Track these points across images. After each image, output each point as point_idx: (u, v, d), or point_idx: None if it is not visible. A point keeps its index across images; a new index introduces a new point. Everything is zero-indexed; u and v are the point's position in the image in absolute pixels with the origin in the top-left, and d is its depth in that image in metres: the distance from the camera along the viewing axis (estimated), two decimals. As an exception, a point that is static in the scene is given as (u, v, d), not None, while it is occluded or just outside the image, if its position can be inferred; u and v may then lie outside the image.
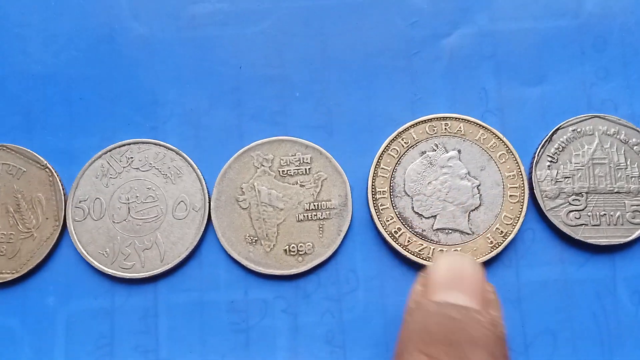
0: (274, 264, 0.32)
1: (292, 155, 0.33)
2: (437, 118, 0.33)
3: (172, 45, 0.35)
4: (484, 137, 0.33)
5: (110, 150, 0.33)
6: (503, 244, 0.32)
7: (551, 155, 0.33)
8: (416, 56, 0.34)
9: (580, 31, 0.34)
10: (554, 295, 0.32)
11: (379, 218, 0.32)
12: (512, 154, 0.32)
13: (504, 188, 0.32)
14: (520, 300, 0.32)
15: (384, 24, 0.35)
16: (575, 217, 0.32)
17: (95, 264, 0.32)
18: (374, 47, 0.35)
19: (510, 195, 0.32)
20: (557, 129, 0.33)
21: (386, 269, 0.32)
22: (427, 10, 0.35)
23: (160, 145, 0.33)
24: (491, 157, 0.32)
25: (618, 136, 0.33)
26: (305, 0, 0.35)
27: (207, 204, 0.33)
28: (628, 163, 0.32)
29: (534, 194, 0.32)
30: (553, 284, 0.32)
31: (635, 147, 0.33)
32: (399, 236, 0.32)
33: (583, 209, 0.32)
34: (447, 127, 0.33)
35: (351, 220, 0.33)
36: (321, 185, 0.33)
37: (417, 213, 0.32)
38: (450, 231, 0.32)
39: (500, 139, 0.33)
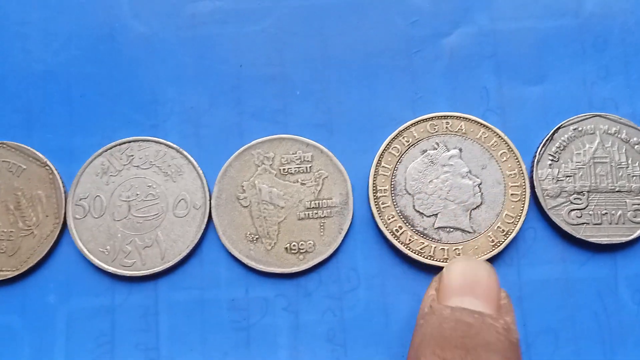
0: (275, 262, 0.32)
1: (293, 154, 0.33)
2: (439, 116, 0.33)
3: (173, 44, 0.35)
4: (485, 135, 0.33)
5: (110, 148, 0.33)
6: (504, 243, 0.31)
7: (552, 154, 0.33)
8: (417, 55, 0.34)
9: (580, 30, 0.34)
10: (556, 294, 0.32)
11: (380, 216, 0.32)
12: (513, 153, 0.32)
13: (505, 187, 0.32)
14: (521, 299, 0.32)
15: (385, 23, 0.35)
16: (577, 216, 0.32)
17: (96, 261, 0.32)
18: (374, 46, 0.35)
19: (511, 194, 0.32)
20: (558, 128, 0.33)
21: (387, 267, 0.32)
22: (428, 9, 0.35)
23: (160, 143, 0.33)
24: (492, 156, 0.32)
25: (619, 135, 0.33)
26: (306, -2, 0.35)
27: (208, 202, 0.33)
28: (629, 162, 0.32)
29: (535, 192, 0.32)
30: (554, 282, 0.32)
31: (636, 146, 0.33)
32: (400, 235, 0.32)
33: (584, 208, 0.32)
34: (448, 126, 0.33)
35: (352, 219, 0.33)
36: (322, 184, 0.33)
37: (418, 211, 0.32)
38: (451, 230, 0.32)
39: (502, 138, 0.33)
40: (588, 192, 0.32)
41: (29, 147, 0.33)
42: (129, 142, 0.33)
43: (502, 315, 0.27)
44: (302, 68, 0.34)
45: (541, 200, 0.32)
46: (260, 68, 0.34)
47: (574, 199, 0.32)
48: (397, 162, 0.33)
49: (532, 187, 0.32)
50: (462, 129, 0.33)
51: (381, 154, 0.33)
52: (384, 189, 0.32)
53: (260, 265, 0.32)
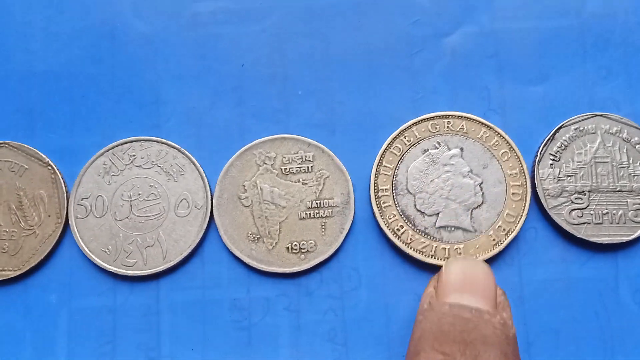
0: (277, 261, 0.32)
1: (295, 153, 0.33)
2: (440, 116, 0.33)
3: (174, 44, 0.35)
4: (487, 135, 0.33)
5: (112, 148, 0.33)
6: (505, 242, 0.32)
7: (553, 153, 0.33)
8: (418, 55, 0.34)
9: (582, 30, 0.34)
10: (556, 293, 0.32)
11: (381, 216, 0.32)
12: (515, 152, 0.32)
13: (506, 186, 0.32)
14: (522, 298, 0.32)
15: (386, 23, 0.35)
16: (578, 216, 0.32)
17: (98, 261, 0.32)
18: (376, 45, 0.35)
19: (512, 193, 0.32)
20: (560, 128, 0.33)
21: (388, 267, 0.32)
22: (429, 9, 0.35)
23: (162, 143, 0.33)
24: (493, 155, 0.32)
25: (620, 135, 0.33)
26: (307, -2, 0.35)
27: (210, 202, 0.33)
28: (630, 161, 0.32)
29: (537, 192, 0.32)
30: (555, 282, 0.32)
31: (637, 146, 0.33)
32: (401, 234, 0.32)
33: (585, 208, 0.32)
34: (449, 125, 0.33)
35: (354, 218, 0.33)
36: (323, 183, 0.33)
37: (419, 211, 0.32)
38: (452, 229, 0.32)
39: (503, 137, 0.33)
40: (589, 191, 0.32)
41: (31, 147, 0.33)
42: (131, 141, 0.33)
43: (499, 311, 0.27)
44: (303, 68, 0.34)
45: (542, 199, 0.32)
46: (261, 68, 0.34)
47: (575, 198, 0.32)
48: (399, 161, 0.33)
49: (533, 186, 0.32)
50: (463, 129, 0.33)
51: (382, 154, 0.33)
52: (385, 189, 0.32)
53: (261, 265, 0.32)
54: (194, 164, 0.33)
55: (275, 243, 0.32)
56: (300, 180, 0.33)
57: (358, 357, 0.32)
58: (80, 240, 0.32)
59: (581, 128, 0.33)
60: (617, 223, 0.32)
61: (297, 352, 0.32)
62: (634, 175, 0.32)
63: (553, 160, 0.32)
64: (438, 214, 0.32)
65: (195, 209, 0.33)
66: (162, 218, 0.32)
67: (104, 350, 0.32)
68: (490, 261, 0.32)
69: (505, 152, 0.32)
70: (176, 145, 0.33)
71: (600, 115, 0.33)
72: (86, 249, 0.32)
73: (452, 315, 0.27)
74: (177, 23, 0.35)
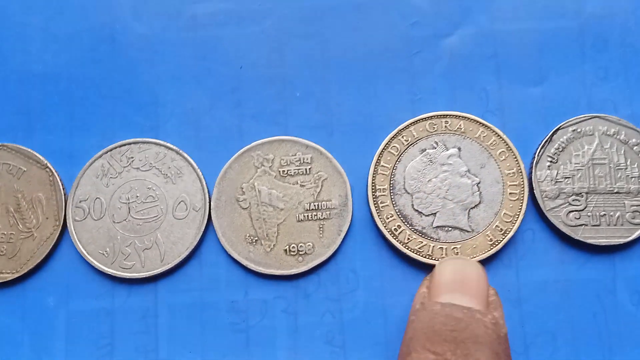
0: (274, 264, 0.32)
1: (293, 155, 0.33)
2: (438, 115, 0.33)
3: (173, 45, 0.35)
4: (484, 134, 0.33)
5: (110, 150, 0.33)
6: (502, 242, 0.32)
7: (551, 155, 0.33)
8: (416, 56, 0.34)
9: (580, 31, 0.34)
10: (554, 295, 0.32)
11: (379, 216, 0.32)
12: (512, 152, 0.32)
13: (503, 186, 0.32)
14: (520, 300, 0.32)
15: (385, 24, 0.35)
16: (575, 218, 0.32)
17: (96, 263, 0.32)
18: (374, 47, 0.35)
19: (510, 193, 0.32)
20: (557, 129, 0.33)
21: (386, 269, 0.32)
22: (428, 10, 0.35)
23: (160, 145, 0.33)
24: (491, 155, 0.32)
25: (618, 136, 0.33)
26: (305, 0, 0.35)
27: (208, 204, 0.33)
28: (628, 163, 0.32)
29: (534, 194, 0.32)
30: (553, 284, 0.32)
31: (635, 148, 0.33)
32: (398, 234, 0.32)
33: (583, 209, 0.32)
34: (447, 125, 0.33)
35: (351, 221, 0.33)
36: (321, 185, 0.33)
37: (417, 211, 0.32)
38: (450, 229, 0.32)
39: (500, 137, 0.33)
40: (587, 193, 0.32)
41: (29, 149, 0.33)
42: (129, 144, 0.33)
43: (490, 310, 0.28)
44: (302, 69, 0.34)
45: (540, 201, 0.32)
46: (260, 69, 0.34)
47: (573, 200, 0.32)
48: (396, 161, 0.33)
49: (531, 188, 0.32)
50: (461, 128, 0.33)
51: (380, 153, 0.33)
52: (383, 188, 0.32)
53: (259, 267, 0.32)
54: (192, 166, 0.33)
55: (273, 245, 0.32)
56: (298, 182, 0.33)
57: (356, 359, 0.32)
58: (78, 242, 0.32)
59: (579, 130, 0.33)
60: (615, 225, 0.32)
61: (294, 355, 0.32)
62: (632, 177, 0.32)
63: (551, 162, 0.32)
64: (435, 213, 0.32)
65: (193, 211, 0.33)
66: (160, 220, 0.32)
67: (102, 352, 0.32)
68: (488, 263, 0.32)
69: (503, 151, 0.32)
70: (174, 147, 0.33)
71: (598, 117, 0.33)
72: (84, 252, 0.32)
73: (443, 314, 0.27)
74: (175, 25, 0.35)
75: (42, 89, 0.34)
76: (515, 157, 0.32)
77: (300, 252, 0.32)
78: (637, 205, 0.32)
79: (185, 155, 0.33)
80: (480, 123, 0.33)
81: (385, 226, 0.32)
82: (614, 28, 0.34)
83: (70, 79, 0.35)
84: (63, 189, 0.33)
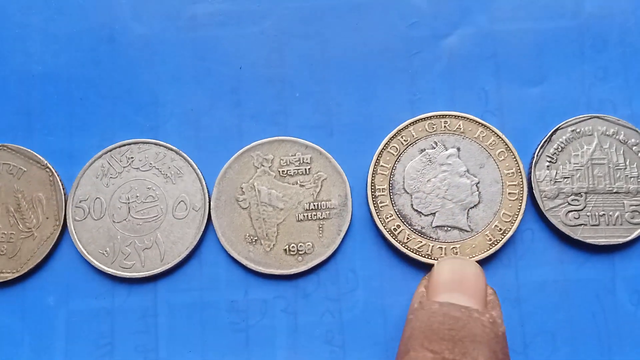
0: (274, 263, 0.32)
1: (292, 155, 0.33)
2: (437, 116, 0.33)
3: (173, 46, 0.35)
4: (483, 134, 0.33)
5: (110, 150, 0.33)
6: (502, 242, 0.32)
7: (550, 155, 0.33)
8: (416, 56, 0.34)
9: (579, 31, 0.34)
10: (553, 295, 0.32)
11: (378, 216, 0.32)
12: (511, 152, 0.32)
13: (502, 185, 0.32)
14: (519, 300, 0.32)
15: (384, 25, 0.35)
16: (574, 217, 0.32)
17: (96, 263, 0.32)
18: (373, 47, 0.35)
19: (509, 193, 0.32)
20: (557, 130, 0.33)
21: (386, 268, 0.32)
22: (427, 10, 0.35)
23: (160, 145, 0.33)
24: (490, 155, 0.33)
25: (617, 136, 0.33)
26: (305, 0, 0.35)
27: (207, 204, 0.33)
28: (627, 163, 0.32)
29: (533, 194, 0.32)
30: (552, 284, 0.32)
31: (634, 148, 0.33)
32: (398, 234, 0.32)
33: (582, 209, 0.32)
34: (446, 125, 0.33)
35: (351, 220, 0.33)
36: (321, 185, 0.33)
37: (416, 210, 0.32)
38: (449, 228, 0.32)
39: (500, 137, 0.33)
40: (586, 193, 0.32)
41: (29, 149, 0.33)
42: (129, 144, 0.33)
43: (488, 309, 0.28)
44: (301, 70, 0.34)
45: (539, 201, 0.32)
46: (259, 70, 0.34)
47: (572, 200, 0.32)
48: (396, 161, 0.33)
49: (530, 188, 0.32)
50: (460, 128, 0.33)
51: (380, 153, 0.33)
52: (382, 188, 0.32)
53: (259, 266, 0.32)
54: (191, 166, 0.33)
55: (273, 245, 0.32)
56: (298, 182, 0.33)
57: (355, 359, 0.32)
58: (78, 242, 0.32)
59: (578, 130, 0.33)
60: (614, 224, 0.32)
61: (294, 354, 0.32)
62: (631, 177, 0.32)
63: (550, 162, 0.32)
64: (435, 213, 0.32)
65: (193, 211, 0.33)
66: (159, 220, 0.33)
67: (101, 352, 0.32)
68: (487, 263, 0.32)
69: (502, 151, 0.33)
70: (174, 148, 0.33)
71: (597, 117, 0.33)
72: (84, 251, 0.32)
73: (441, 313, 0.27)
74: (175, 25, 0.35)
75: (42, 89, 0.34)
76: (515, 157, 0.32)
77: (300, 252, 0.32)
78: (636, 205, 0.32)
79: (185, 155, 0.33)
80: (480, 123, 0.33)
81: (384, 226, 0.32)
82: (613, 28, 0.34)
83: (70, 79, 0.35)
84: (63, 189, 0.33)
